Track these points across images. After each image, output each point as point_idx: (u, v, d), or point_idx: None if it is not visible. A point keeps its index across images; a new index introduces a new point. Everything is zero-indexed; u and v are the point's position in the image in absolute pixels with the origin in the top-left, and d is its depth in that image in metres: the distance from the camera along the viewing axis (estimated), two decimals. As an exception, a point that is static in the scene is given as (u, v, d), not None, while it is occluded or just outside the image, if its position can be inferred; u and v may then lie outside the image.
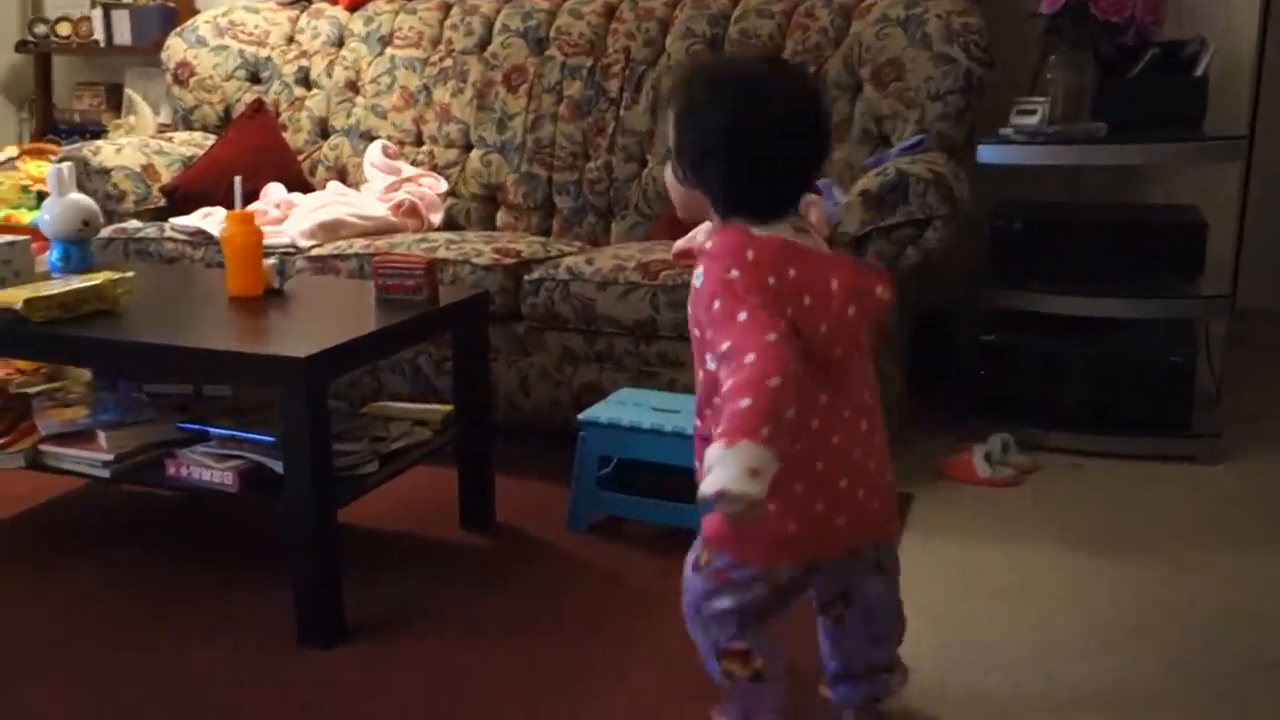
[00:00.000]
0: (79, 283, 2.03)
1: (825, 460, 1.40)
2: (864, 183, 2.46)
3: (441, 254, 2.70)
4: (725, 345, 1.30)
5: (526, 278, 2.65)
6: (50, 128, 4.31)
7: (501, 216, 3.27)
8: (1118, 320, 2.76)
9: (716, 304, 1.33)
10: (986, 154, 2.73)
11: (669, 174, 1.48)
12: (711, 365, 1.35)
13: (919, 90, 2.80)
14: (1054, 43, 2.90)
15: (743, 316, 1.30)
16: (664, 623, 1.93)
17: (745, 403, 1.24)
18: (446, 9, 3.42)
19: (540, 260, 2.73)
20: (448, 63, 3.34)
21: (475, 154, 3.28)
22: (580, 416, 2.30)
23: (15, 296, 1.95)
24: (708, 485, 1.22)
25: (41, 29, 4.18)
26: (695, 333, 1.42)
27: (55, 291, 1.97)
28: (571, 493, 2.32)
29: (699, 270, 1.40)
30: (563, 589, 2.07)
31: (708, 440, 1.29)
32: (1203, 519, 2.37)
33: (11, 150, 3.77)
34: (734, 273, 1.34)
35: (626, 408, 2.32)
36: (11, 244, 2.15)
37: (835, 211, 2.50)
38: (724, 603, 1.45)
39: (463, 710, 1.69)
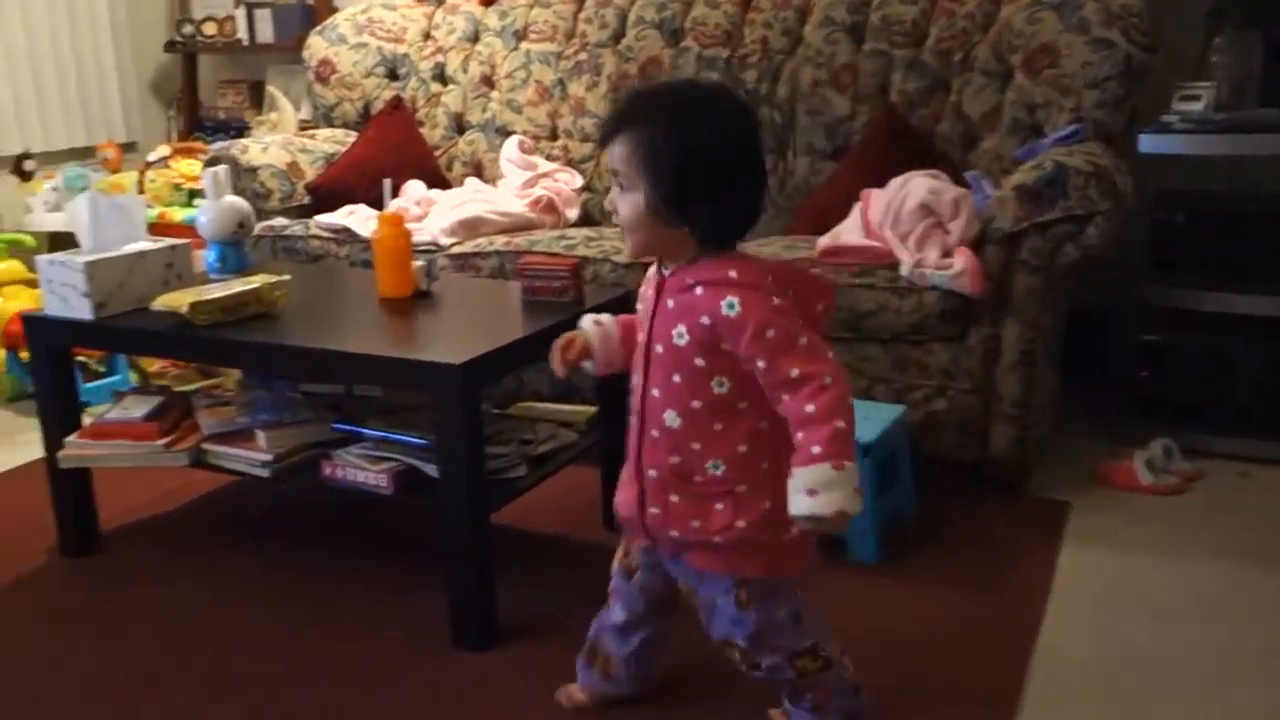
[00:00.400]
0: (239, 286, 2.08)
1: None
2: (1019, 176, 2.37)
3: (581, 252, 2.69)
4: (795, 371, 1.34)
5: (667, 276, 2.62)
6: (196, 125, 4.45)
7: (636, 210, 3.24)
8: (1289, 318, 2.61)
9: (771, 332, 1.35)
10: (1148, 143, 2.60)
11: (629, 211, 1.39)
12: (720, 390, 1.41)
13: (1075, 77, 2.67)
14: (1219, 24, 2.75)
15: (804, 341, 1.35)
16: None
17: (841, 425, 1.33)
18: (581, 2, 3.41)
19: (680, 257, 2.70)
20: (582, 56, 3.33)
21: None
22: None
23: (180, 300, 2.01)
24: (827, 506, 1.31)
25: (188, 29, 4.31)
26: (699, 363, 1.40)
27: (217, 295, 2.02)
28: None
29: (731, 299, 1.36)
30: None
31: (706, 482, 1.43)
32: (1388, 533, 2.23)
33: (164, 149, 3.91)
34: (776, 300, 1.37)
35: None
36: (173, 248, 2.21)
37: (986, 206, 2.42)
38: (782, 612, 1.49)
39: (617, 716, 1.68)
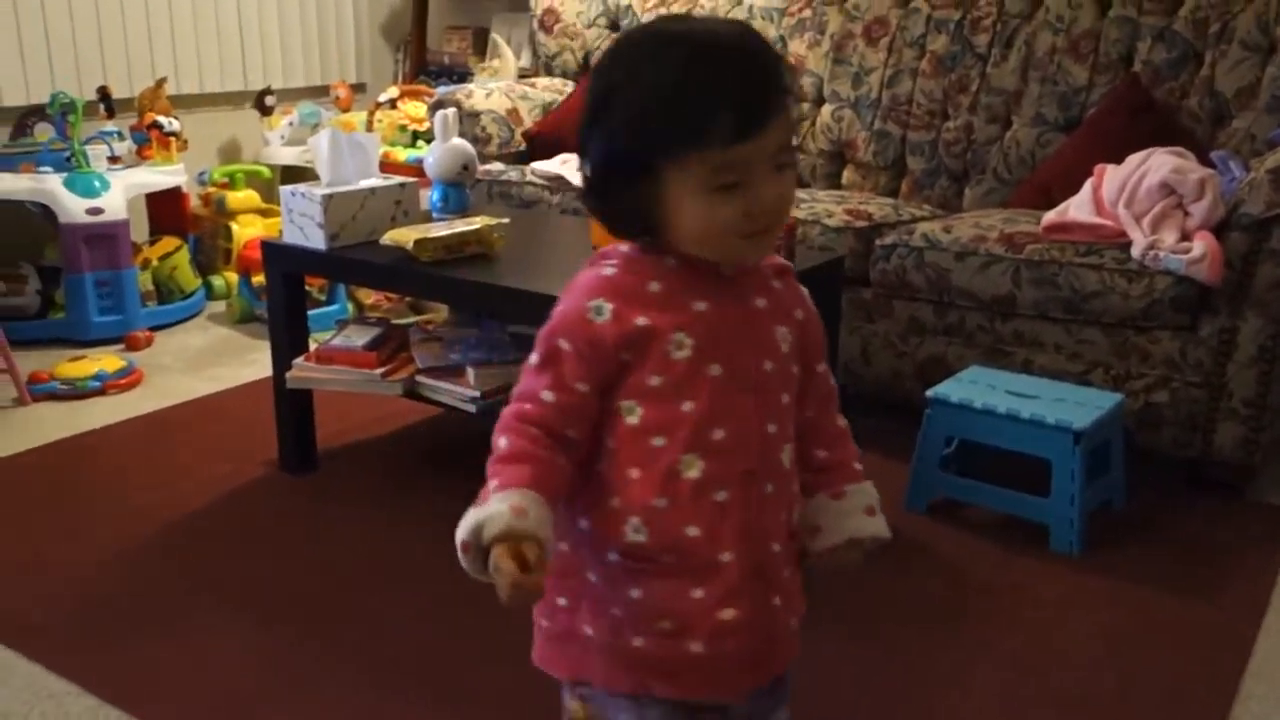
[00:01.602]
0: (461, 226, 2.15)
1: None
2: (1274, 159, 2.19)
3: (792, 213, 2.66)
4: (826, 372, 1.15)
5: (878, 242, 2.56)
6: (421, 69, 4.60)
7: (848, 174, 3.18)
8: None
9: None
10: None
11: (792, 189, 1.05)
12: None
13: (1348, 54, 2.46)
14: None
15: None
16: (1010, 623, 1.84)
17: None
18: (809, -43, 3.34)
19: (893, 225, 2.64)
20: (806, 13, 3.27)
21: (827, 109, 3.20)
22: (929, 393, 2.21)
23: (406, 237, 2.09)
24: (884, 526, 1.13)
25: (422, -27, 4.45)
26: (795, 370, 1.08)
27: (441, 234, 2.09)
28: (912, 471, 2.24)
29: (803, 288, 1.12)
30: (900, 576, 2.00)
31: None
32: None
33: (393, 91, 4.06)
34: None
35: (979, 388, 2.20)
36: (402, 185, 2.31)
37: (1236, 189, 2.25)
38: None
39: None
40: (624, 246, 1.05)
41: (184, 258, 3.58)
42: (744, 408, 1.02)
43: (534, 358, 1.03)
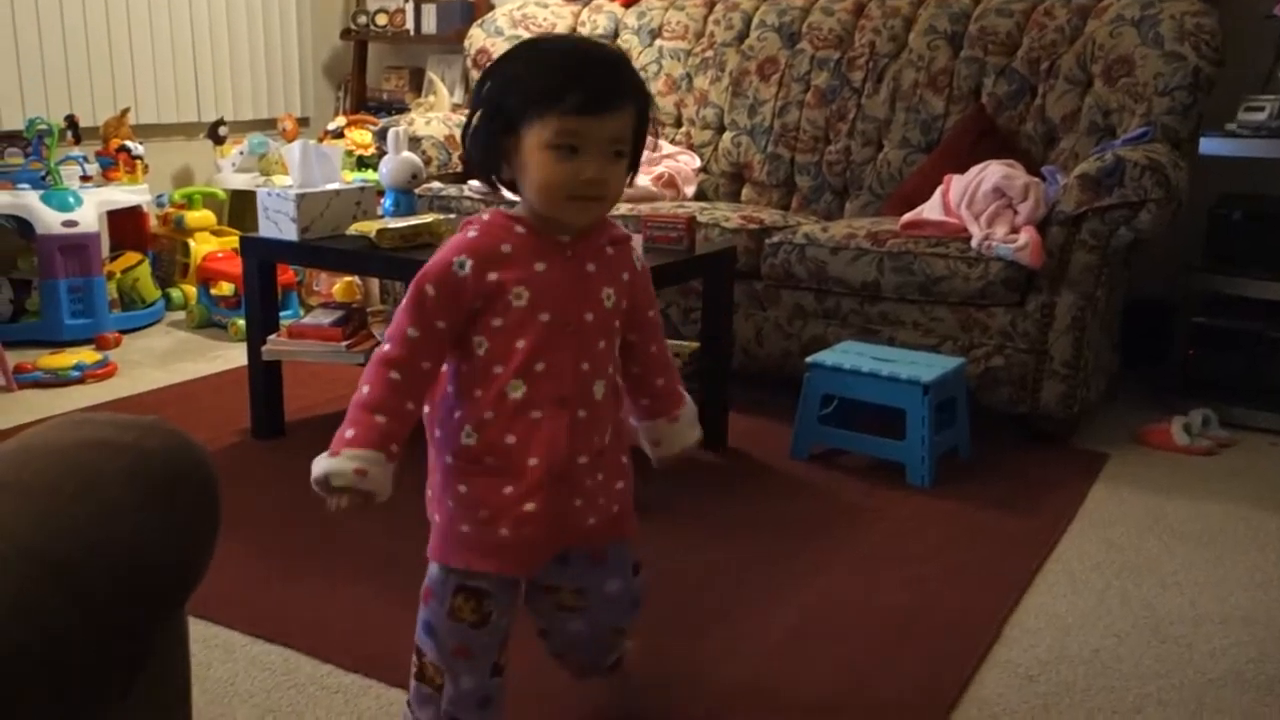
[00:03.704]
0: (414, 221, 2.55)
1: None
2: (1084, 166, 2.70)
3: (696, 218, 3.11)
4: (652, 313, 1.45)
5: (768, 241, 3.02)
6: (361, 105, 5.00)
7: (746, 192, 3.66)
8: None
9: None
10: (1208, 146, 2.90)
11: (620, 180, 1.31)
12: (615, 353, 1.39)
13: (1147, 85, 2.99)
14: (1289, 44, 3.03)
15: None
16: (868, 533, 2.28)
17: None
18: (711, 5, 3.84)
19: (780, 227, 3.10)
20: (709, 53, 3.76)
21: (727, 135, 3.68)
22: (809, 359, 2.65)
23: (370, 227, 2.48)
24: (699, 433, 1.53)
25: (363, 19, 4.87)
26: (617, 324, 1.37)
27: (399, 226, 2.49)
28: (795, 425, 2.68)
29: (637, 252, 1.41)
30: (782, 501, 2.43)
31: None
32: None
33: (340, 120, 4.46)
34: None
35: (849, 355, 2.65)
36: (362, 189, 2.70)
37: (1054, 193, 2.75)
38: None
39: (685, 582, 2.08)
40: (485, 215, 1.33)
41: (145, 271, 3.91)
42: (564, 347, 1.31)
43: (405, 301, 1.30)
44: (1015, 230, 2.71)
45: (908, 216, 2.90)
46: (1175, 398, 2.98)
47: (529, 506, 1.31)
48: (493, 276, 1.29)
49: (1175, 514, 2.39)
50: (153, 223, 4.18)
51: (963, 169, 2.98)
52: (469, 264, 1.29)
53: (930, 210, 2.88)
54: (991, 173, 2.81)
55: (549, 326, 1.30)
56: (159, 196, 4.21)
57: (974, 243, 2.73)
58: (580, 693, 1.66)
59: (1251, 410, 2.90)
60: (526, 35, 4.07)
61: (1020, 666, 1.78)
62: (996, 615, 1.94)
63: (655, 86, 3.82)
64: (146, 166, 4.01)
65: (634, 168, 1.34)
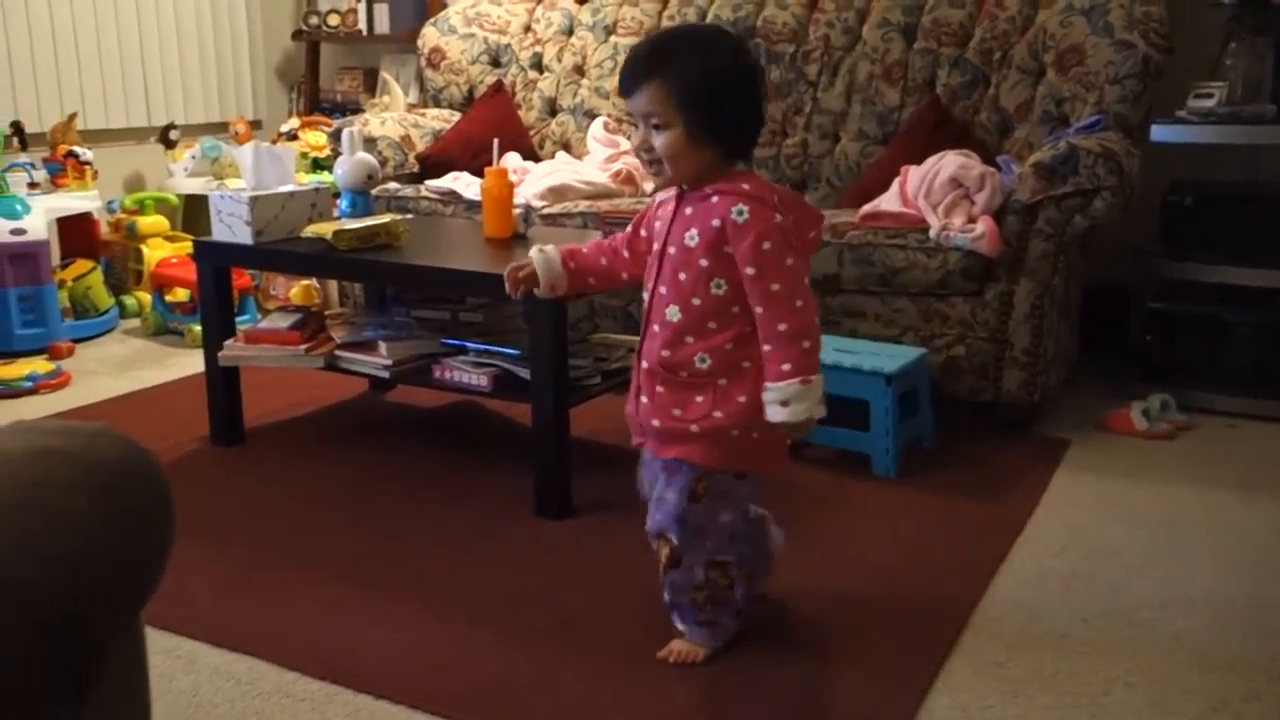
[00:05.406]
0: (371, 221, 2.52)
1: None
2: (1038, 155, 2.72)
3: (655, 214, 3.10)
4: (775, 286, 1.54)
5: (728, 236, 3.01)
6: (315, 106, 4.95)
7: (706, 187, 3.64)
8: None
9: (767, 244, 1.53)
10: (1159, 133, 2.93)
11: (671, 144, 1.55)
12: (718, 291, 1.58)
13: (1098, 74, 3.01)
14: (1235, 30, 3.07)
15: (790, 262, 1.54)
16: (835, 523, 2.28)
17: (807, 344, 1.57)
18: (665, 1, 3.82)
19: (740, 222, 3.10)
20: (664, 49, 3.74)
21: (685, 130, 3.66)
22: (771, 352, 2.65)
23: (326, 229, 2.45)
24: (796, 414, 1.57)
25: (314, 20, 4.82)
26: (704, 263, 1.57)
27: (356, 226, 2.46)
28: (760, 419, 2.67)
29: (741, 206, 1.54)
30: (750, 493, 2.43)
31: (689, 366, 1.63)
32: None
33: (294, 122, 4.41)
34: (778, 217, 1.55)
35: (811, 348, 2.65)
36: (317, 190, 2.67)
37: (1009, 182, 2.77)
38: (726, 517, 1.70)
39: (648, 574, 2.07)
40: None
41: (98, 278, 3.85)
42: (652, 270, 1.66)
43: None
44: (972, 220, 2.73)
45: (866, 208, 2.90)
46: (1134, 383, 3.01)
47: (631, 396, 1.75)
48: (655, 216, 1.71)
49: (1137, 498, 2.41)
50: (104, 229, 4.11)
51: (919, 160, 2.99)
52: (653, 204, 1.74)
53: (888, 202, 2.89)
54: (948, 163, 2.82)
55: (654, 253, 1.66)
56: (110, 202, 4.14)
57: (932, 233, 2.74)
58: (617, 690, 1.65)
59: (1208, 394, 2.94)
60: (480, 33, 4.05)
61: (989, 653, 1.79)
62: (964, 603, 1.94)
63: (611, 83, 3.81)
64: (96, 172, 3.94)
65: (707, 130, 1.55)
